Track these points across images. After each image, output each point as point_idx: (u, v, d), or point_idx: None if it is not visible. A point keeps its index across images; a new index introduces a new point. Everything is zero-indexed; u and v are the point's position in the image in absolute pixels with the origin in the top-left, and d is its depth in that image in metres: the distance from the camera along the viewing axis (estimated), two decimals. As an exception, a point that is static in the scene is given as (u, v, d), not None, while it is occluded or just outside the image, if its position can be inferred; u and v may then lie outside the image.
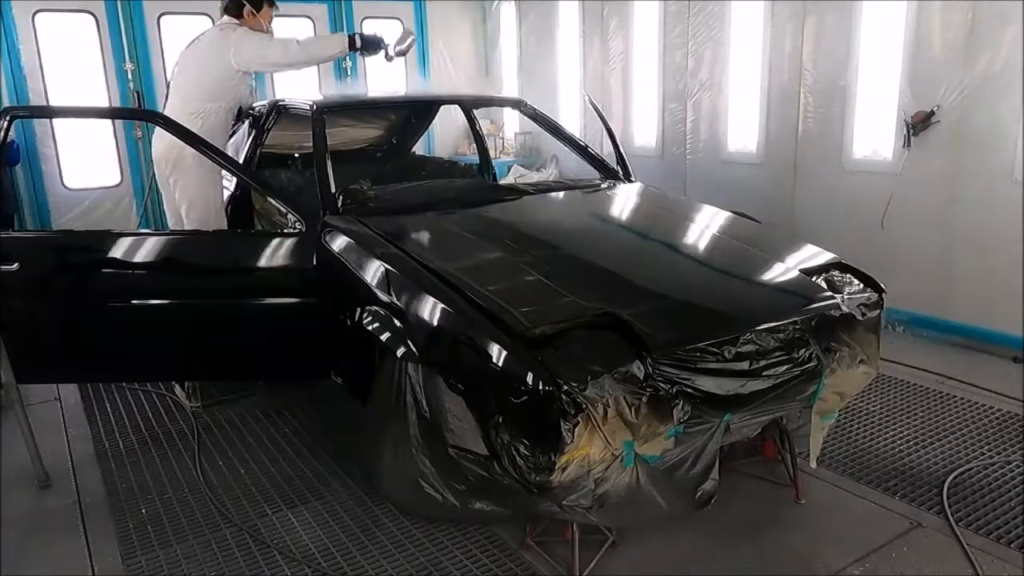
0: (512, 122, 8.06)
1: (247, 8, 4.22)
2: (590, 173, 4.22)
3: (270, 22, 4.35)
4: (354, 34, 4.20)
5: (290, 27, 7.19)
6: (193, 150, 3.92)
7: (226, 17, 4.27)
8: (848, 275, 2.99)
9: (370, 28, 6.56)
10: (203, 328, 3.30)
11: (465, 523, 2.82)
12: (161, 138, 4.12)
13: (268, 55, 4.09)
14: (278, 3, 4.36)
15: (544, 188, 3.92)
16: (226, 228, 4.18)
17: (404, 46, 4.29)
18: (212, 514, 3.02)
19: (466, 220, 3.29)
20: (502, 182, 4.71)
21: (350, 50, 4.17)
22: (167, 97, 4.29)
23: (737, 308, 2.68)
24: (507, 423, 2.29)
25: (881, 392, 3.94)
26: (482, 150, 5.17)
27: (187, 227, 4.09)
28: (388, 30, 7.97)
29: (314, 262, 3.20)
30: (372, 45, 4.21)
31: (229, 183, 4.32)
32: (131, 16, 6.45)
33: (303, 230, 3.26)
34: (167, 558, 2.75)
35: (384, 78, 7.79)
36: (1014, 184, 4.19)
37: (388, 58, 4.34)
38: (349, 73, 7.56)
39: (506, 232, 3.12)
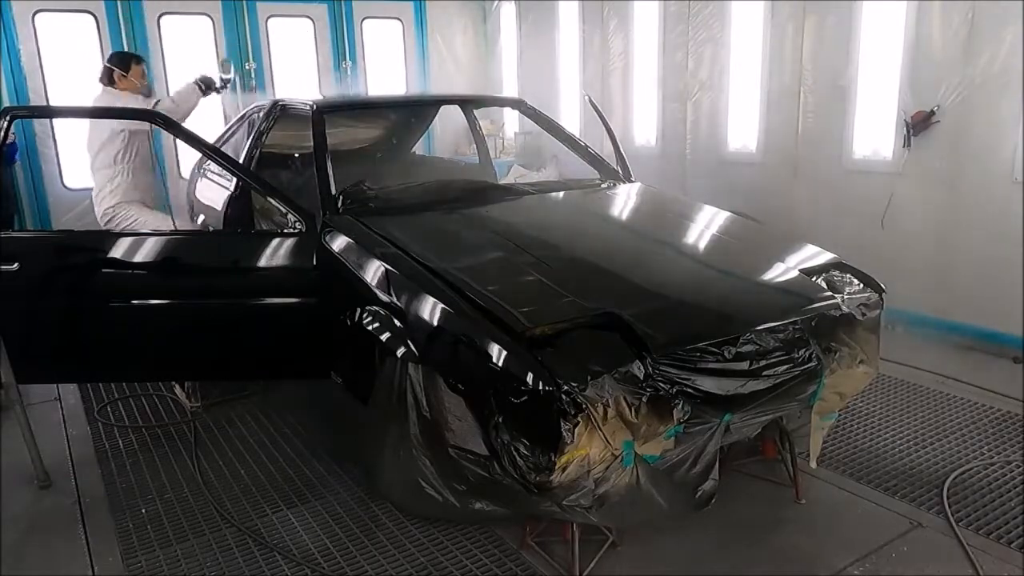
0: (512, 122, 8.05)
1: (116, 72, 4.73)
2: (590, 173, 4.22)
3: (143, 76, 4.90)
4: (198, 81, 4.90)
5: (290, 27, 7.23)
6: (119, 220, 4.74)
7: (102, 88, 4.76)
8: (848, 275, 2.99)
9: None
10: (203, 328, 3.30)
11: (465, 523, 2.82)
12: (98, 202, 4.82)
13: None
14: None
15: (544, 188, 3.92)
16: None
17: (228, 75, 5.21)
18: (212, 514, 3.02)
19: (466, 220, 3.30)
20: (502, 182, 4.70)
21: (203, 94, 4.91)
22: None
23: (737, 308, 2.67)
24: (507, 423, 2.29)
25: (881, 392, 3.94)
26: (482, 150, 5.18)
27: None
28: (388, 30, 8.00)
29: (314, 262, 3.20)
30: (211, 84, 4.97)
31: (229, 183, 4.32)
32: (131, 16, 6.46)
33: (303, 230, 3.25)
34: (167, 558, 2.75)
35: (384, 78, 7.80)
36: (1014, 184, 4.19)
37: (223, 85, 5.11)
38: (349, 73, 7.56)
39: (506, 232, 3.11)
